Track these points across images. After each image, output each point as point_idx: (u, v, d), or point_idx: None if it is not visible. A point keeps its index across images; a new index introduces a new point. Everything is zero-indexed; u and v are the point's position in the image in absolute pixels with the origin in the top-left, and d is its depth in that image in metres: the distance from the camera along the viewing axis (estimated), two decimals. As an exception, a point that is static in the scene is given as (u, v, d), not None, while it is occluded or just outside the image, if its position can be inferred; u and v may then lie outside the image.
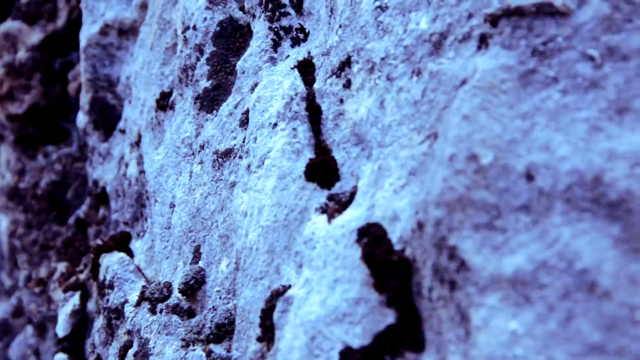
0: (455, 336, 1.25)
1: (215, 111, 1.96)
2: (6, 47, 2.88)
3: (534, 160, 1.23)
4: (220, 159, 1.88)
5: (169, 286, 1.97)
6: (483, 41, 1.37)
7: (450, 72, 1.41)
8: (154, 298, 1.96)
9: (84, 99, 2.54)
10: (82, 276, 2.44)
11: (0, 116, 2.86)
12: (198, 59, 2.02)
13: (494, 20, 1.36)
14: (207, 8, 2.03)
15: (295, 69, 1.77)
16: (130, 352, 1.97)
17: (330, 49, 1.71)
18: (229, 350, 1.74)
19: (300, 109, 1.70)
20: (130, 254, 2.24)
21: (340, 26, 1.68)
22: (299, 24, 1.86)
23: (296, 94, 1.71)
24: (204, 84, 2.00)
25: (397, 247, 1.40)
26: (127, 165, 2.33)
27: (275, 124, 1.72)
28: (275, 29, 1.87)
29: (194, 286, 1.87)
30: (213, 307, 1.80)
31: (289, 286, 1.58)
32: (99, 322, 2.19)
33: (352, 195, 1.57)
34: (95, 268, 2.25)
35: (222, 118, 1.91)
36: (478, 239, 1.23)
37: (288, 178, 1.66)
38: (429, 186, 1.33)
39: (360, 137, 1.58)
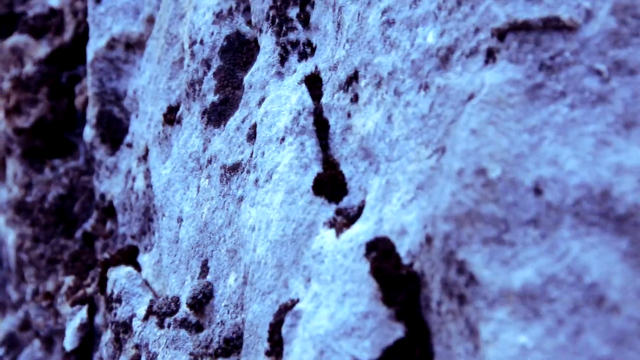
0: (464, 350, 1.25)
1: (222, 125, 1.97)
2: (13, 60, 2.89)
3: (542, 175, 1.23)
4: (227, 174, 1.89)
5: (176, 300, 1.97)
6: (490, 55, 1.37)
7: (458, 86, 1.41)
8: (161, 312, 1.96)
9: (91, 112, 2.54)
10: (89, 290, 2.44)
11: (7, 130, 2.87)
12: (205, 74, 2.03)
13: (501, 34, 1.36)
14: (214, 22, 2.04)
15: (303, 84, 1.78)
16: (139, 366, 1.98)
17: (338, 63, 1.71)
18: (237, 365, 1.75)
19: (307, 124, 1.70)
20: (138, 267, 2.25)
21: (347, 41, 1.68)
22: (306, 38, 1.86)
23: (304, 109, 1.72)
24: (211, 98, 2.00)
25: (406, 261, 1.40)
26: (134, 179, 2.34)
27: (283, 139, 1.72)
28: (283, 44, 1.87)
29: (202, 300, 1.87)
30: (221, 321, 1.81)
31: (298, 300, 1.58)
32: (107, 335, 2.19)
33: (360, 209, 1.57)
34: (102, 282, 2.26)
35: (230, 132, 1.92)
36: (487, 253, 1.23)
37: (296, 192, 1.66)
38: (437, 200, 1.34)
39: (368, 151, 1.59)
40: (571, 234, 1.20)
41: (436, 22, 1.50)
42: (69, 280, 2.58)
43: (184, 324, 1.90)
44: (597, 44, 1.29)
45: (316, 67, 1.80)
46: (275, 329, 1.59)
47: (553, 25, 1.32)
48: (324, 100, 1.73)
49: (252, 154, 1.82)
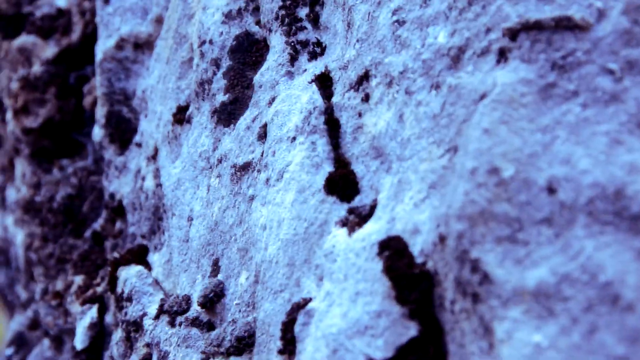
0: (478, 349, 1.26)
1: (232, 125, 1.97)
2: (21, 61, 2.90)
3: (555, 174, 1.24)
4: (238, 173, 1.89)
5: (187, 299, 1.98)
6: (502, 55, 1.38)
7: (470, 85, 1.42)
8: (173, 311, 1.97)
9: (100, 112, 2.55)
10: (99, 289, 2.45)
11: (15, 130, 2.87)
12: (215, 73, 2.04)
13: (512, 34, 1.37)
14: (223, 22, 2.04)
15: (313, 83, 1.78)
16: (150, 364, 1.98)
17: (348, 63, 1.72)
18: (249, 363, 1.76)
19: (319, 123, 1.71)
20: (148, 267, 2.25)
21: (357, 40, 1.69)
22: (316, 38, 1.87)
23: (315, 108, 1.73)
24: (221, 97, 2.01)
25: (419, 260, 1.41)
26: (143, 178, 2.34)
27: (294, 138, 1.73)
28: (292, 43, 1.88)
29: (213, 299, 1.88)
30: (233, 320, 1.81)
31: (310, 299, 1.59)
32: (118, 334, 2.20)
33: (372, 208, 1.58)
34: (113, 281, 2.26)
35: (240, 132, 1.92)
36: (500, 252, 1.24)
37: (307, 191, 1.67)
38: (450, 199, 1.34)
39: (380, 150, 1.59)
40: (585, 233, 1.20)
41: (447, 22, 1.50)
42: (78, 280, 2.59)
43: (195, 322, 1.91)
44: (609, 44, 1.30)
45: (326, 67, 1.81)
46: (287, 327, 1.60)
47: (565, 25, 1.33)
48: (334, 99, 1.73)
49: (262, 154, 1.83)
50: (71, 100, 2.84)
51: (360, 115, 1.67)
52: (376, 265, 1.46)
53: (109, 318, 2.36)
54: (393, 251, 1.44)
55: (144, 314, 2.07)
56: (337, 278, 1.52)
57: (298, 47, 1.88)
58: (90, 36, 2.78)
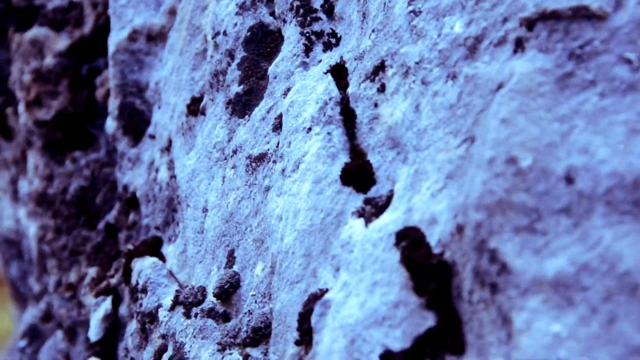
0: (496, 339, 1.26)
1: (247, 116, 1.97)
2: (33, 53, 2.90)
3: (573, 163, 1.24)
4: (253, 164, 1.89)
5: (203, 290, 1.98)
6: (519, 45, 1.38)
7: (486, 75, 1.42)
8: (188, 302, 1.97)
9: (113, 104, 2.55)
10: (113, 281, 2.45)
11: (28, 122, 2.88)
12: (229, 64, 2.04)
13: (529, 24, 1.37)
14: (237, 14, 2.04)
15: (329, 74, 1.78)
16: (165, 355, 1.98)
17: (364, 53, 1.72)
18: (266, 354, 1.76)
19: (334, 113, 1.71)
20: (162, 258, 2.26)
21: (373, 30, 1.69)
22: (331, 28, 1.87)
23: (330, 98, 1.73)
24: (236, 88, 2.01)
25: (436, 251, 1.41)
26: (157, 170, 2.35)
27: (310, 128, 1.73)
28: (307, 34, 1.88)
29: (229, 290, 1.88)
30: (249, 311, 1.82)
31: (327, 290, 1.59)
32: (132, 326, 2.21)
33: (389, 199, 1.58)
34: (127, 272, 2.27)
35: (255, 123, 1.92)
36: (518, 242, 1.24)
37: (323, 182, 1.67)
38: (468, 189, 1.34)
39: (396, 140, 1.59)
40: (603, 223, 1.20)
41: (463, 12, 1.50)
42: (92, 272, 2.59)
43: (211, 313, 1.91)
44: (626, 33, 1.29)
45: (341, 57, 1.81)
46: (304, 318, 1.60)
47: (582, 14, 1.32)
48: (350, 90, 1.73)
49: (278, 144, 1.83)
50: (83, 92, 2.84)
51: (376, 105, 1.66)
52: (393, 256, 1.46)
53: (123, 310, 2.37)
54: (410, 241, 1.44)
55: (159, 305, 2.07)
56: (354, 269, 1.52)
57: (313, 37, 1.88)
58: (102, 28, 2.78)
